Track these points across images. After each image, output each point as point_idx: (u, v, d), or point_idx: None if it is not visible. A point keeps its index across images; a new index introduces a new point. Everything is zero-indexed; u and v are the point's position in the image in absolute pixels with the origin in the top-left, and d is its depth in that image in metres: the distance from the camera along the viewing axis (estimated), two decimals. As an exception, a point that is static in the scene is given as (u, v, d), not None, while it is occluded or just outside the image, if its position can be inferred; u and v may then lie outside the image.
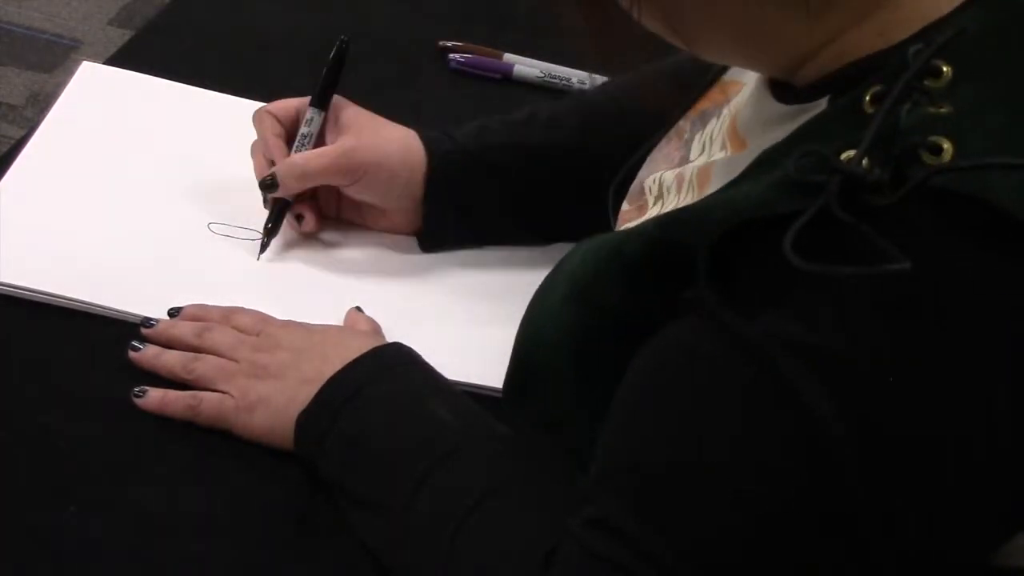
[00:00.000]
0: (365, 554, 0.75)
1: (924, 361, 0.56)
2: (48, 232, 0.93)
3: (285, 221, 0.97)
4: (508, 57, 1.22)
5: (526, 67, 1.21)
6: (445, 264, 0.99)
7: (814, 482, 0.57)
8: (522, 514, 0.70)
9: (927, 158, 0.56)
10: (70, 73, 1.10)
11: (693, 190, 0.76)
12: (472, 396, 0.82)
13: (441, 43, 1.22)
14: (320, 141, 0.97)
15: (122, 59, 1.15)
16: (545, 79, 1.20)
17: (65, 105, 1.06)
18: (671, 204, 0.79)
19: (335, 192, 0.98)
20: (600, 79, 1.14)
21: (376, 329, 0.90)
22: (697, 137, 0.83)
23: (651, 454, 0.61)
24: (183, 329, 0.86)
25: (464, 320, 0.94)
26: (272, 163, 0.96)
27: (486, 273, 0.99)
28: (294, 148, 0.96)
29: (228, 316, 0.87)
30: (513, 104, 1.03)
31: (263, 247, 0.96)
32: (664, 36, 0.67)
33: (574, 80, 1.20)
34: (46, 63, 2.41)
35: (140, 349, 0.85)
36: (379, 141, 0.95)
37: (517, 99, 1.16)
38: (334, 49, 0.98)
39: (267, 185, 0.95)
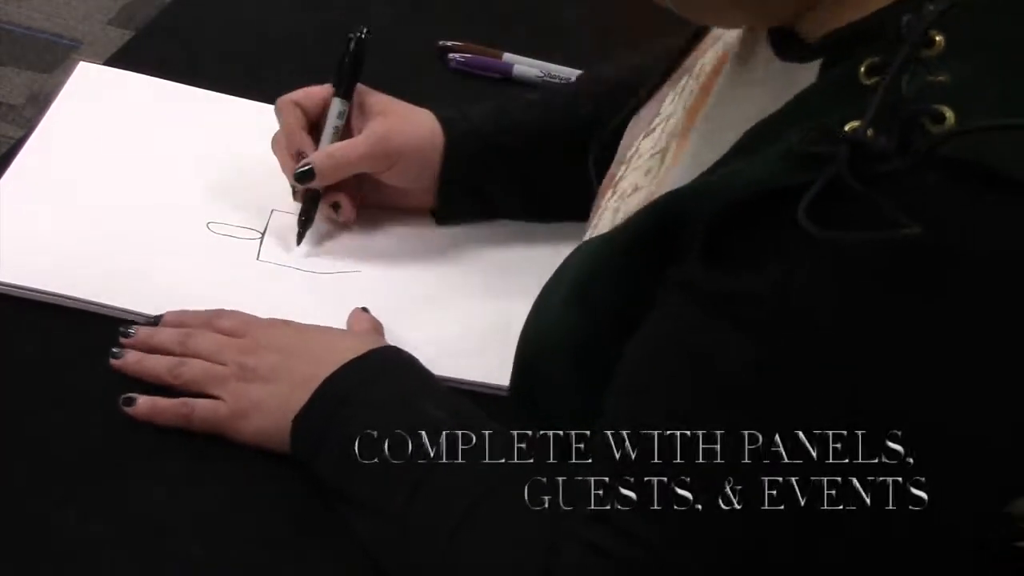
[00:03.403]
0: (365, 554, 0.75)
1: (931, 324, 0.57)
2: (47, 231, 0.93)
3: (321, 212, 0.98)
4: (508, 57, 1.22)
5: (526, 67, 1.21)
6: (449, 264, 0.99)
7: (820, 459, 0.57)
8: (520, 513, 0.70)
9: (930, 126, 0.57)
10: (69, 73, 1.09)
11: (665, 156, 0.76)
12: (476, 395, 0.82)
13: (441, 43, 1.22)
14: (345, 129, 0.98)
15: (122, 59, 1.15)
16: (545, 79, 1.20)
17: (62, 105, 1.06)
18: (635, 165, 0.79)
19: (357, 177, 0.99)
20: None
21: (377, 329, 0.89)
22: (670, 95, 0.83)
23: (642, 445, 0.61)
24: (165, 336, 0.85)
25: (469, 318, 0.94)
26: (299, 155, 0.96)
27: (491, 273, 0.99)
28: (325, 139, 0.97)
29: (210, 321, 0.86)
30: (513, 104, 1.03)
31: (299, 238, 0.97)
32: (673, 7, 0.68)
33: (574, 80, 1.20)
34: (46, 63, 2.40)
35: (120, 356, 0.84)
36: (410, 126, 0.97)
37: (517, 99, 1.16)
38: (354, 40, 0.99)
39: (303, 175, 0.95)
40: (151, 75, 1.10)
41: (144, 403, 0.81)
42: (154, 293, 0.89)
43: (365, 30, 0.99)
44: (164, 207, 0.98)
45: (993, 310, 0.57)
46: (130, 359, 0.84)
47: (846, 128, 0.58)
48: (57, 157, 1.00)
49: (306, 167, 0.95)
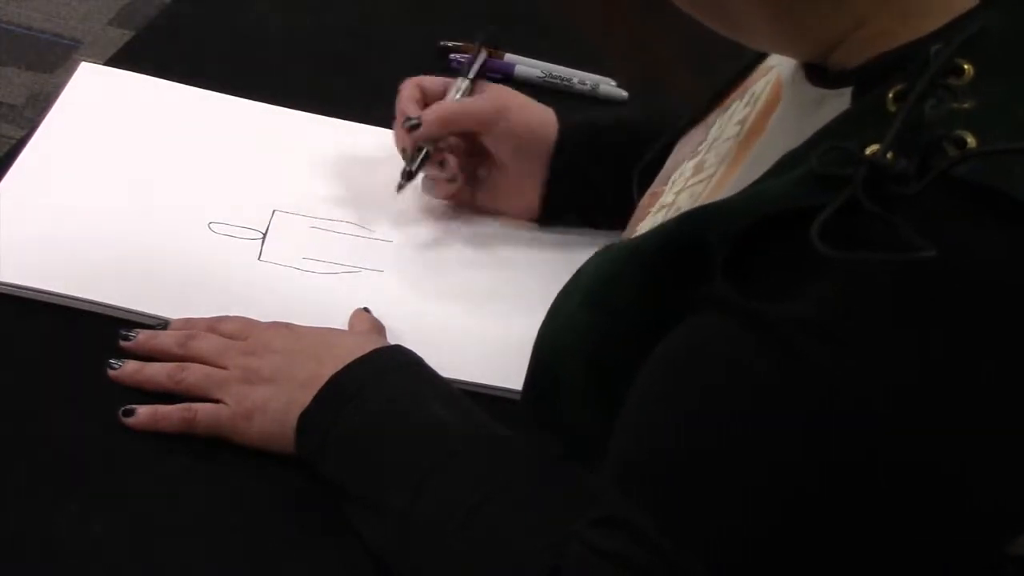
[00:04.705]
0: (365, 554, 0.75)
1: (944, 345, 0.57)
2: (48, 231, 0.93)
3: (424, 177, 1.02)
4: (509, 57, 1.22)
5: (527, 67, 1.21)
6: (452, 264, 0.99)
7: (835, 472, 0.57)
8: (523, 515, 0.70)
9: (951, 151, 0.57)
10: (70, 73, 1.09)
11: (711, 180, 0.76)
12: (475, 397, 0.82)
13: (441, 43, 1.22)
14: None
15: (122, 59, 1.15)
16: (546, 79, 1.20)
17: (63, 106, 1.05)
18: (678, 186, 0.80)
19: (466, 161, 1.02)
20: (607, 82, 1.16)
21: (379, 329, 0.89)
22: (719, 121, 0.83)
23: (663, 450, 0.62)
24: (165, 339, 0.85)
25: (469, 320, 0.94)
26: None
27: (490, 275, 0.99)
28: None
29: (213, 325, 0.86)
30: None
31: (400, 187, 1.01)
32: (703, 20, 0.68)
33: (575, 80, 1.20)
34: (46, 63, 2.40)
35: (118, 367, 0.83)
36: (524, 101, 1.02)
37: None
38: (484, 33, 1.09)
39: (412, 126, 0.99)
40: (151, 75, 1.10)
41: (144, 412, 0.81)
42: (155, 293, 0.89)
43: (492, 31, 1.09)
44: (165, 207, 0.98)
45: (999, 334, 0.57)
46: (129, 368, 0.83)
47: (867, 151, 0.58)
48: (58, 157, 1.00)
49: (415, 119, 0.99)
